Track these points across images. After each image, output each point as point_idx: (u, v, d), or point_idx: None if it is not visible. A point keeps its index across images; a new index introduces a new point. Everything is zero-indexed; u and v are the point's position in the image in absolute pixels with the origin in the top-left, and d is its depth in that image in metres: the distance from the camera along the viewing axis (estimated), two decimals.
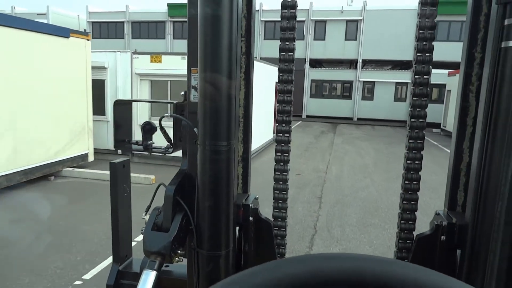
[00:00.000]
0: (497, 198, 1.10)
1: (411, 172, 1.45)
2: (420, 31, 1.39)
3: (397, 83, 22.69)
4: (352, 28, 23.05)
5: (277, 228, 1.60)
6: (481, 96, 1.26)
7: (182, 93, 1.43)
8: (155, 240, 1.28)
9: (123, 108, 1.52)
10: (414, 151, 1.44)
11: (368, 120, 23.04)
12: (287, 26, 1.49)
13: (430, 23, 1.38)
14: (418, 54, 1.41)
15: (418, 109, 1.42)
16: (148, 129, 1.44)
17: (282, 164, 1.57)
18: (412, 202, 1.45)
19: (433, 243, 1.39)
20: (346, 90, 24.02)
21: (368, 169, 10.73)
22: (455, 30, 21.55)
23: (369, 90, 23.54)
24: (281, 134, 1.56)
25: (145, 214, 1.37)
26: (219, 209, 1.29)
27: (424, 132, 1.43)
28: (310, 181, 9.04)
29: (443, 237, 1.36)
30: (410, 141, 1.44)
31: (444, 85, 19.81)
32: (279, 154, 1.57)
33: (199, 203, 1.30)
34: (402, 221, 1.47)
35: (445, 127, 19.06)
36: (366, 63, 23.85)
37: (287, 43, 1.50)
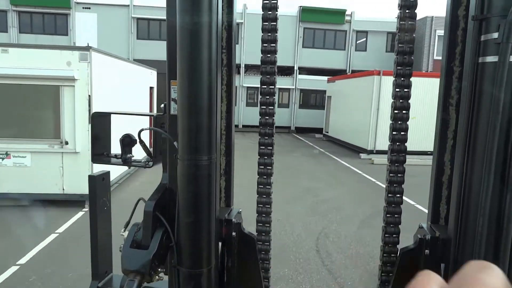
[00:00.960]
0: (479, 214, 1.11)
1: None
2: (400, 45, 1.40)
3: (279, 89, 22.44)
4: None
5: (261, 243, 1.59)
6: (460, 110, 1.29)
7: (162, 105, 1.41)
8: (134, 258, 1.25)
9: (101, 120, 1.47)
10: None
11: (254, 127, 22.16)
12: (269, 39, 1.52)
13: (409, 37, 1.39)
14: (398, 67, 1.42)
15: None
16: (127, 142, 1.41)
17: (265, 177, 1.58)
18: (396, 216, 1.46)
19: (417, 257, 1.38)
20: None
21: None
22: (330, 39, 22.34)
23: (252, 96, 22.84)
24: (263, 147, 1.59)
25: (124, 231, 1.33)
26: (200, 225, 1.26)
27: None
28: None
29: (427, 251, 1.35)
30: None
31: (325, 91, 20.17)
32: (262, 167, 1.58)
33: (179, 219, 1.27)
34: (386, 235, 1.47)
35: (327, 132, 19.32)
36: (249, 68, 23.01)
37: (269, 55, 1.53)
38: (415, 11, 1.38)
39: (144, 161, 1.44)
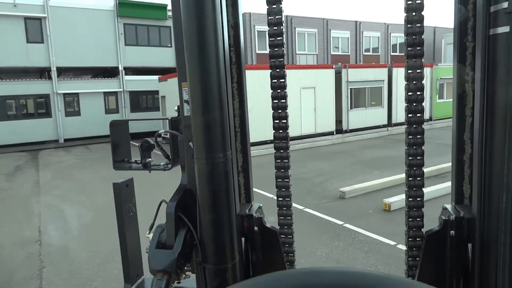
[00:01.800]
0: (502, 189, 1.10)
1: None
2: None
3: (105, 93, 19.83)
4: (34, 28, 18.01)
5: (283, 236, 1.59)
6: (475, 85, 1.26)
7: (176, 108, 1.43)
8: (160, 258, 1.29)
9: (119, 128, 1.53)
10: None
11: (79, 140, 19.00)
12: None
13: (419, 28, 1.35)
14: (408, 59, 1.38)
15: None
16: (145, 147, 1.46)
17: (282, 171, 1.57)
18: (418, 199, 1.43)
19: (443, 239, 1.37)
20: (41, 107, 18.84)
21: (103, 221, 6.25)
22: (155, 36, 20.95)
23: (72, 104, 19.45)
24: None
25: (149, 233, 1.37)
26: (221, 222, 1.28)
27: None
28: (12, 272, 4.79)
29: (452, 232, 1.34)
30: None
31: (157, 92, 18.78)
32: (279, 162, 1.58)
33: (201, 217, 1.30)
34: (409, 219, 1.45)
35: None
36: (62, 71, 19.52)
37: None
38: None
39: (163, 164, 1.47)
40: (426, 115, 17.39)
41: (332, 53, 25.58)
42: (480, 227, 1.23)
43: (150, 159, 1.47)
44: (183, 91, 1.37)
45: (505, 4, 1.05)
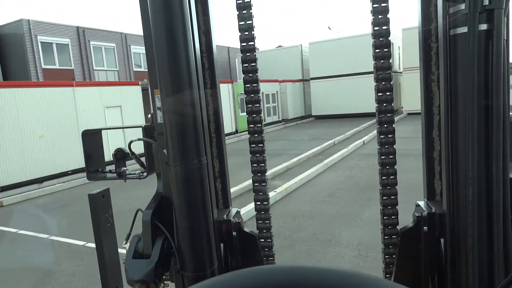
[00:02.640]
0: (468, 184, 1.13)
1: None
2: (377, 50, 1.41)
3: None
4: None
5: (263, 240, 1.59)
6: (440, 84, 1.32)
7: (149, 115, 1.43)
8: (137, 268, 1.28)
9: (92, 138, 1.50)
10: None
11: None
12: None
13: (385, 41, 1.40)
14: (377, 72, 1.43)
15: None
16: (120, 156, 1.44)
17: (259, 174, 1.58)
18: (392, 197, 1.48)
19: (417, 235, 1.41)
20: None
21: None
22: None
23: None
24: None
25: (125, 243, 1.38)
26: (198, 228, 1.28)
27: None
28: None
29: (425, 228, 1.38)
30: None
31: None
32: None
33: (177, 224, 1.29)
34: (384, 217, 1.49)
35: None
36: None
37: None
38: None
39: (138, 173, 1.46)
40: (232, 128, 18.55)
41: (135, 69, 24.38)
42: (450, 222, 1.27)
43: (125, 167, 1.46)
44: (155, 98, 1.38)
45: (463, 6, 1.10)
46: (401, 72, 23.20)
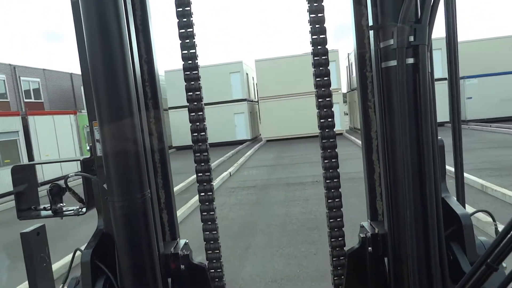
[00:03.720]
0: (405, 204, 1.19)
1: None
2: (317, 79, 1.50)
3: None
4: None
5: (213, 271, 1.57)
6: (376, 112, 1.38)
7: (88, 148, 1.40)
8: None
9: (24, 173, 1.43)
10: None
11: None
12: None
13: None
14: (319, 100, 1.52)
15: None
16: (56, 191, 1.39)
17: (207, 203, 1.58)
18: (338, 220, 1.55)
19: (363, 256, 1.44)
20: None
21: None
22: None
23: None
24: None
25: (62, 287, 1.31)
26: (142, 265, 1.23)
27: None
28: None
29: (370, 249, 1.42)
30: None
31: None
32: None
33: (120, 262, 1.24)
34: (332, 239, 1.54)
35: None
36: None
37: None
38: None
39: (76, 209, 1.40)
40: (78, 168, 15.56)
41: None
42: (392, 242, 1.33)
43: (61, 204, 1.41)
44: (94, 130, 1.33)
45: (392, 41, 1.21)
46: (257, 101, 23.99)
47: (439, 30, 1.27)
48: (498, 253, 0.93)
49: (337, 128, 21.86)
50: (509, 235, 0.92)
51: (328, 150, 1.49)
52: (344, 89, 25.89)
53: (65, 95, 25.09)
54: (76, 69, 28.01)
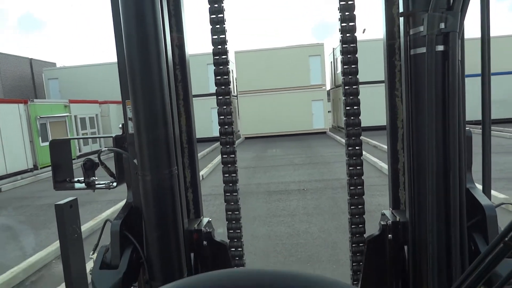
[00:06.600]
0: (428, 193, 1.20)
1: None
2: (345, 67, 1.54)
3: None
4: None
5: (233, 249, 1.64)
6: (403, 100, 1.39)
7: (120, 125, 1.43)
8: (104, 279, 1.25)
9: (60, 147, 1.49)
10: None
11: None
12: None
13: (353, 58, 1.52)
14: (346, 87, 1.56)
15: None
16: (89, 165, 1.43)
17: (231, 184, 1.63)
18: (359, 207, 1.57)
19: (382, 243, 1.48)
20: None
21: None
22: None
23: None
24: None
25: (93, 253, 1.35)
26: (168, 238, 1.29)
27: None
28: None
29: (390, 236, 1.45)
30: None
31: None
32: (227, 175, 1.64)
33: (147, 234, 1.29)
34: (352, 226, 1.57)
35: None
36: None
37: None
38: None
39: (108, 183, 1.45)
40: (27, 164, 13.52)
41: None
42: (413, 229, 1.34)
43: (94, 177, 1.45)
44: (127, 108, 1.37)
45: (421, 28, 1.20)
46: (235, 96, 22.33)
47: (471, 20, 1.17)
48: None
49: (320, 126, 20.64)
50: None
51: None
52: (328, 86, 24.59)
53: (23, 83, 22.69)
54: (36, 55, 25.43)
